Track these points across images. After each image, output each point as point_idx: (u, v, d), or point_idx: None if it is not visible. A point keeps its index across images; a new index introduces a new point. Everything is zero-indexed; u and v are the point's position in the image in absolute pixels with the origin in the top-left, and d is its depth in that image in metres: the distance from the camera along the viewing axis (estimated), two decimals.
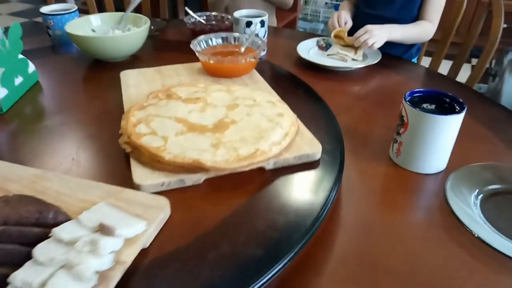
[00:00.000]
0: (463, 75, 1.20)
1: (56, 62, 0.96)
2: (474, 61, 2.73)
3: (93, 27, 0.99)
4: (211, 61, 0.77)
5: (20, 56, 0.79)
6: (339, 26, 1.06)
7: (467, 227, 0.51)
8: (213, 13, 1.20)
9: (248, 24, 0.98)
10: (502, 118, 0.79)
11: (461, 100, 0.60)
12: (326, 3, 3.12)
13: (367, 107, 0.82)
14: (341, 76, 0.95)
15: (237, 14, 1.00)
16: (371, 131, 0.73)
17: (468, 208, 0.54)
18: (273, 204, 0.49)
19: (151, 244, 0.43)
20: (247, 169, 0.53)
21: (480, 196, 0.56)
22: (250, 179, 0.53)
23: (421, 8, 1.11)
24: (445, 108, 0.60)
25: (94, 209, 0.42)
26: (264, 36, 1.01)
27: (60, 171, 0.54)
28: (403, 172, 0.62)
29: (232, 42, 0.86)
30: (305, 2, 3.15)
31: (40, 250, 0.36)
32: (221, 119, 0.59)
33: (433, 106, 0.60)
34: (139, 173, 0.51)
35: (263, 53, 1.02)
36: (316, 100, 0.76)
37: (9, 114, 0.71)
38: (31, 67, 0.82)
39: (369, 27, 0.98)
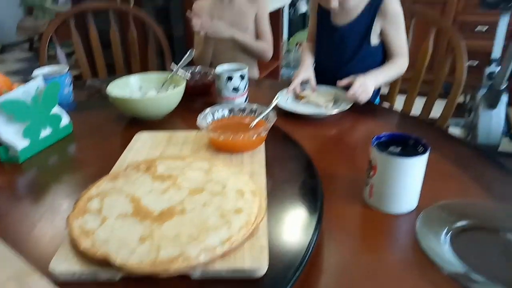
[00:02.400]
0: (439, 111, 1.26)
1: (96, 116, 0.98)
2: None
3: (140, 86, 0.99)
4: (221, 138, 0.70)
5: (55, 110, 0.80)
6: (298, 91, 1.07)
7: (438, 265, 0.53)
8: (197, 68, 1.27)
9: (229, 78, 1.03)
10: (469, 156, 0.80)
11: (424, 142, 0.63)
12: None
13: (343, 151, 0.85)
14: (318, 122, 0.95)
15: (218, 69, 1.01)
16: (347, 175, 0.73)
17: (438, 246, 0.56)
18: None
19: None
20: (165, 275, 0.44)
21: (450, 233, 0.58)
22: (173, 286, 0.45)
23: (388, 50, 1.12)
24: (411, 149, 0.63)
25: None
26: (244, 89, 1.06)
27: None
28: (377, 214, 0.62)
29: (239, 114, 0.80)
30: (287, 50, 3.31)
31: None
32: (172, 206, 0.53)
33: (399, 149, 0.64)
34: (61, 256, 0.47)
35: (245, 102, 1.07)
36: (294, 147, 0.76)
37: (26, 164, 0.74)
38: (65, 121, 0.84)
39: (362, 80, 0.98)
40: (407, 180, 0.61)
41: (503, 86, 1.92)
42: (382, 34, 1.11)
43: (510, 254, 0.54)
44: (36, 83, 0.77)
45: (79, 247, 0.47)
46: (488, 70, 2.19)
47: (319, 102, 1.01)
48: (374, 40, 1.11)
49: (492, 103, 2.01)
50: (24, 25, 4.24)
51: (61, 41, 1.57)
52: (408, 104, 1.28)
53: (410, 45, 1.23)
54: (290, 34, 3.47)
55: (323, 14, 1.16)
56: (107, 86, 0.91)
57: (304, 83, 1.10)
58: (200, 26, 1.29)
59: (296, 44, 3.30)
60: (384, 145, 0.63)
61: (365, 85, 0.98)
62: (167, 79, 0.99)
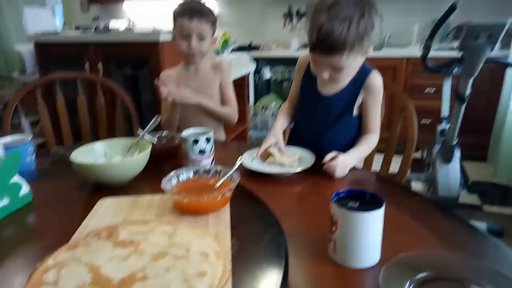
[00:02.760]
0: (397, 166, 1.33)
1: (59, 184, 0.95)
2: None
3: (104, 152, 0.99)
4: (185, 200, 0.70)
5: (14, 179, 0.78)
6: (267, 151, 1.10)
7: None
8: (165, 133, 1.30)
9: (195, 141, 1.06)
10: (426, 208, 0.85)
11: (380, 196, 0.67)
12: (272, 113, 3.44)
13: (307, 208, 0.86)
14: (282, 181, 0.98)
15: (184, 133, 1.04)
16: (312, 231, 0.74)
17: None
18: None
19: None
20: None
21: (412, 286, 0.60)
22: None
23: (364, 123, 1.17)
24: (368, 204, 0.66)
25: None
26: (211, 151, 1.09)
27: None
28: (343, 270, 0.63)
29: (204, 175, 0.82)
30: (254, 113, 3.45)
31: None
32: (133, 273, 0.52)
33: (357, 204, 0.67)
34: None
35: (211, 164, 1.09)
36: (259, 206, 0.77)
37: None
38: (24, 190, 0.82)
39: (344, 159, 1.00)
40: (366, 234, 0.63)
41: (455, 142, 2.06)
42: (362, 107, 1.16)
43: None
44: None
45: None
46: (439, 127, 2.37)
47: (284, 162, 1.05)
48: (356, 111, 1.16)
49: (447, 158, 2.14)
50: None
51: (27, 109, 1.57)
52: (368, 161, 1.35)
53: None
54: (256, 99, 3.65)
55: (309, 80, 1.19)
56: (71, 154, 0.91)
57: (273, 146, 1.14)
58: (167, 93, 1.34)
59: (262, 108, 3.45)
60: (343, 201, 0.66)
61: (345, 165, 1.00)
62: (133, 144, 1.01)
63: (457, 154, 2.15)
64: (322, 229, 0.73)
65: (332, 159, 1.00)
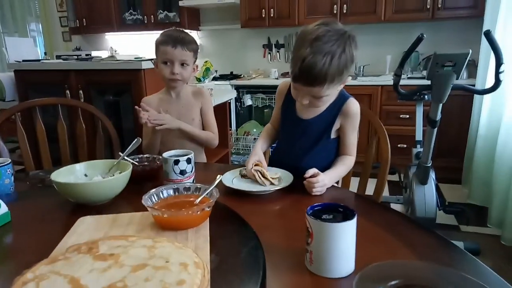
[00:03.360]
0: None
1: (38, 205, 0.96)
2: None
3: (85, 173, 1.00)
4: (165, 215, 0.73)
5: None
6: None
7: None
8: (145, 155, 1.32)
9: (176, 162, 1.08)
10: (397, 221, 0.89)
11: (352, 209, 0.70)
12: (254, 138, 3.50)
13: (285, 224, 0.89)
14: (261, 198, 1.01)
15: (165, 154, 1.07)
16: (289, 245, 0.77)
17: None
18: None
19: None
20: None
21: None
22: None
23: (341, 146, 1.22)
24: (341, 216, 0.70)
25: None
26: (191, 172, 1.11)
27: None
28: (319, 279, 0.65)
29: (184, 192, 0.85)
30: (236, 139, 3.50)
31: None
32: (113, 283, 0.53)
33: (331, 216, 0.71)
34: None
35: (191, 183, 1.11)
36: (238, 221, 0.80)
37: None
38: (3, 210, 0.83)
39: (323, 178, 1.04)
40: (340, 244, 0.66)
41: (429, 163, 2.15)
42: (339, 131, 1.22)
43: None
44: None
45: None
46: (415, 150, 2.47)
47: (264, 182, 1.08)
48: (333, 134, 1.22)
49: (422, 179, 2.22)
50: None
51: (5, 136, 1.56)
52: (346, 183, 1.39)
53: None
54: (238, 125, 3.71)
55: (289, 105, 1.24)
56: (50, 177, 0.91)
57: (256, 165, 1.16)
58: (147, 118, 1.37)
59: (244, 133, 3.51)
60: (318, 213, 0.69)
61: (324, 183, 1.05)
62: (113, 165, 1.03)
63: (432, 175, 2.23)
64: (300, 242, 0.75)
65: (312, 176, 1.04)
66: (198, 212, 0.73)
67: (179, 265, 0.58)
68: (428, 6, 3.23)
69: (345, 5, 3.44)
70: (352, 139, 1.22)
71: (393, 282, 0.64)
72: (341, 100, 1.17)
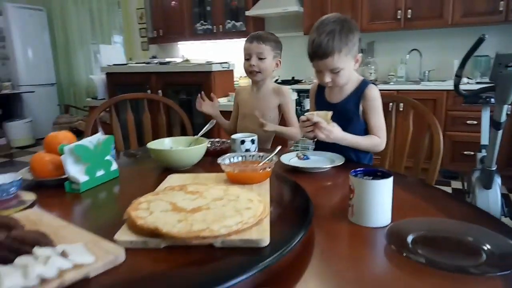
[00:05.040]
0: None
1: (135, 168, 1.28)
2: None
3: (171, 146, 1.25)
4: (236, 171, 0.94)
5: (107, 157, 1.07)
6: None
7: (404, 254, 0.70)
8: (216, 139, 1.55)
9: (242, 142, 1.31)
10: (440, 196, 1.01)
11: (389, 171, 0.85)
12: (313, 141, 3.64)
13: (334, 193, 1.06)
14: (315, 175, 1.17)
15: (234, 136, 1.33)
16: (335, 207, 0.94)
17: (405, 246, 0.73)
18: (216, 274, 0.58)
19: (95, 276, 0.57)
20: (197, 242, 0.64)
21: (412, 239, 0.75)
22: (200, 252, 0.64)
23: (368, 128, 1.38)
24: (379, 178, 0.83)
25: (71, 245, 0.60)
26: (254, 151, 1.33)
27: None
28: (358, 228, 0.80)
29: (250, 159, 1.06)
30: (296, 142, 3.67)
31: (19, 259, 0.56)
32: (200, 206, 0.74)
33: (370, 178, 0.86)
34: (121, 232, 0.68)
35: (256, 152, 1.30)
36: (293, 185, 0.97)
37: (84, 194, 0.98)
38: (114, 166, 1.09)
39: (333, 128, 1.22)
40: (376, 197, 0.81)
41: (494, 167, 2.13)
42: (364, 114, 1.39)
43: (459, 246, 0.72)
44: (98, 136, 1.05)
45: (136, 223, 0.68)
46: (479, 155, 2.43)
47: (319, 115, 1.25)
48: (361, 118, 1.39)
49: (486, 184, 2.20)
50: (60, 121, 4.82)
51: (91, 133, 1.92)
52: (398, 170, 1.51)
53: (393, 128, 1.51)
54: None
55: (320, 96, 1.49)
56: (141, 153, 1.17)
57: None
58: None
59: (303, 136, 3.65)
60: (359, 176, 0.85)
61: (331, 132, 1.22)
62: (193, 141, 1.27)
63: (498, 180, 2.20)
64: (344, 204, 0.91)
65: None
66: (261, 171, 0.92)
67: (247, 199, 0.78)
68: (501, 9, 3.14)
69: (409, 10, 3.46)
70: (375, 121, 1.37)
71: (422, 232, 0.77)
72: (362, 87, 1.37)
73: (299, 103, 3.84)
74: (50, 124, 5.01)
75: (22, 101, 5.33)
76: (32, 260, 0.56)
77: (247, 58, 1.70)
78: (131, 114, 1.92)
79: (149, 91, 2.76)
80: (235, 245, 0.65)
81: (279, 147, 1.10)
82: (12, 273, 0.53)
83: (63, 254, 0.58)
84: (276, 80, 3.93)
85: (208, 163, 1.23)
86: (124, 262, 0.62)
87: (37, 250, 0.58)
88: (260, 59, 1.68)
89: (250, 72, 1.71)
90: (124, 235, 0.68)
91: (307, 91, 3.84)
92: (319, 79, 1.37)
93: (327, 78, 1.31)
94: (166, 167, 1.17)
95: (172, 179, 1.00)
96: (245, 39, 1.74)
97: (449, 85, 3.21)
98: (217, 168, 1.01)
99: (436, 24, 3.41)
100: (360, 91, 1.37)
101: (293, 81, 4.06)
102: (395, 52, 3.87)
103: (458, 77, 2.10)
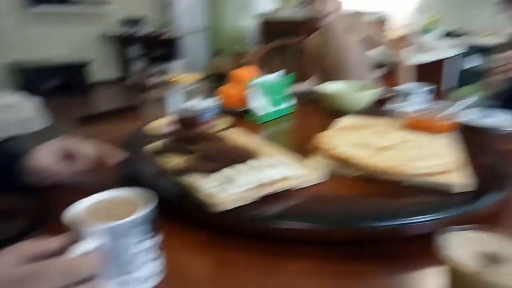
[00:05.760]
0: None
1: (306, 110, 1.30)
2: None
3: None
4: (422, 117, 0.93)
5: (286, 93, 1.18)
6: None
7: None
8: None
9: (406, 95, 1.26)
10: None
11: None
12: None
13: None
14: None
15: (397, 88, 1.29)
16: None
17: None
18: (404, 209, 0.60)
19: (297, 190, 0.65)
20: (386, 177, 0.68)
21: None
22: (388, 186, 0.68)
23: None
24: None
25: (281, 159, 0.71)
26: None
27: None
28: None
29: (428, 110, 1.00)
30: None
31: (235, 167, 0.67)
32: (386, 146, 0.77)
33: None
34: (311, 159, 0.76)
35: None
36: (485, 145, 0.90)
37: (264, 124, 1.11)
38: (292, 102, 1.20)
39: None
40: None
41: None
42: None
43: None
44: (279, 73, 1.17)
45: (329, 152, 0.76)
46: None
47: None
48: None
49: None
50: (213, 64, 5.41)
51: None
52: None
53: None
54: (460, 86, 3.45)
55: None
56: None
57: None
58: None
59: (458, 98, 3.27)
60: None
61: None
62: (363, 87, 1.28)
63: None
64: None
65: None
66: (445, 122, 0.91)
67: (437, 146, 0.79)
68: None
69: None
70: None
71: None
72: None
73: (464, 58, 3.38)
74: (201, 66, 5.58)
75: (179, 44, 6.02)
76: (249, 169, 0.67)
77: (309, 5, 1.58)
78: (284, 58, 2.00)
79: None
80: (425, 187, 0.66)
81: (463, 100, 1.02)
82: (245, 172, 0.64)
83: (273, 166, 0.67)
84: (440, 30, 3.51)
85: (373, 113, 1.23)
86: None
87: (251, 162, 0.69)
88: (322, 1, 1.56)
89: (315, 18, 1.59)
90: (321, 162, 0.75)
91: (475, 47, 3.35)
92: None
93: None
94: (336, 110, 1.21)
95: (343, 121, 1.03)
96: None
97: None
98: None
99: None
100: None
101: (457, 34, 3.57)
102: None
103: None
